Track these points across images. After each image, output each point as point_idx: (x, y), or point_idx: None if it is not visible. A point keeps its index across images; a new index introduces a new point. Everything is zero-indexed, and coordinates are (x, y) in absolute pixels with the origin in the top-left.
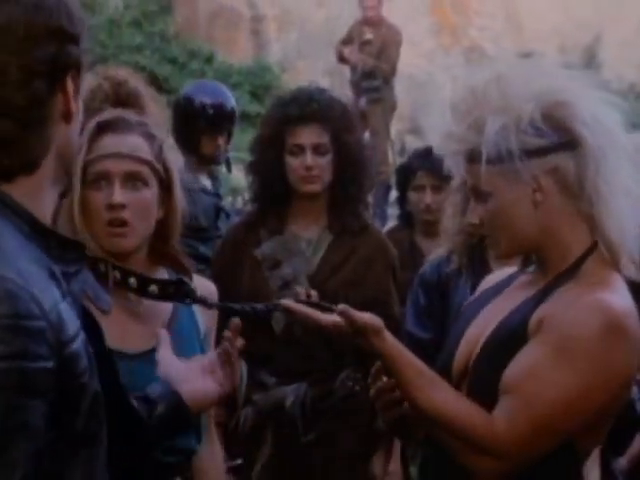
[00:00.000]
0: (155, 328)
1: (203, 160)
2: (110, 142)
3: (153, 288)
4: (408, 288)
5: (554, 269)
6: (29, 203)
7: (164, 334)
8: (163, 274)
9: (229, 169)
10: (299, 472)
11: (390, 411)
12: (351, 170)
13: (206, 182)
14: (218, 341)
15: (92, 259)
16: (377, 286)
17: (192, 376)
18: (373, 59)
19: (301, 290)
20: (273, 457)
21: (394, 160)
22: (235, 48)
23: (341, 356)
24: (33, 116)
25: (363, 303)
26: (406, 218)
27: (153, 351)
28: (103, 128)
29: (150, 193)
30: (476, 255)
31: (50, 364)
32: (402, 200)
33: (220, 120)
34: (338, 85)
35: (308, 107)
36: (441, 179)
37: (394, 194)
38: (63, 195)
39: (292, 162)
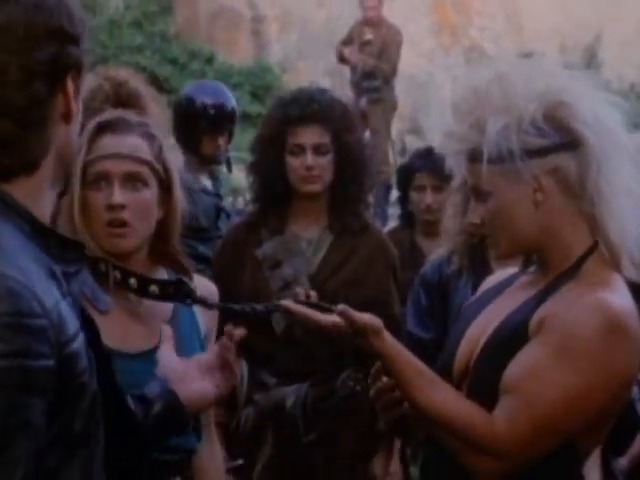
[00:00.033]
0: (155, 328)
1: (204, 160)
2: (110, 142)
3: (153, 288)
4: (409, 288)
5: (555, 269)
6: (29, 203)
7: (168, 330)
8: (163, 274)
9: (230, 169)
10: (300, 472)
11: (390, 411)
12: (352, 170)
13: (207, 182)
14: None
15: (92, 259)
16: (378, 286)
17: (189, 376)
18: (373, 59)
19: (300, 291)
20: (274, 457)
21: (395, 160)
22: (236, 48)
23: (341, 356)
24: (33, 116)
25: (364, 303)
26: (407, 218)
27: (153, 351)
28: (103, 128)
29: (150, 193)
30: (477, 255)
31: (51, 363)
32: (403, 200)
33: (221, 120)
34: (339, 85)
35: (309, 107)
36: (442, 179)
37: (395, 194)
38: (61, 194)
39: (293, 162)
